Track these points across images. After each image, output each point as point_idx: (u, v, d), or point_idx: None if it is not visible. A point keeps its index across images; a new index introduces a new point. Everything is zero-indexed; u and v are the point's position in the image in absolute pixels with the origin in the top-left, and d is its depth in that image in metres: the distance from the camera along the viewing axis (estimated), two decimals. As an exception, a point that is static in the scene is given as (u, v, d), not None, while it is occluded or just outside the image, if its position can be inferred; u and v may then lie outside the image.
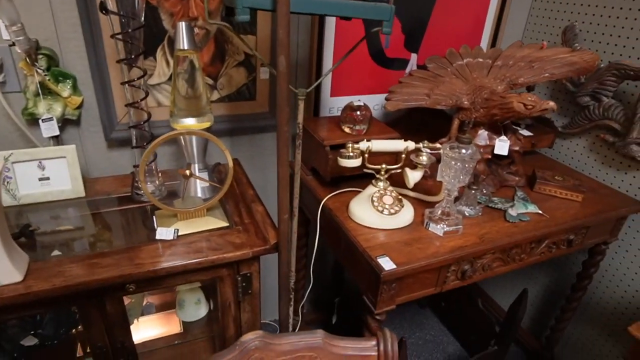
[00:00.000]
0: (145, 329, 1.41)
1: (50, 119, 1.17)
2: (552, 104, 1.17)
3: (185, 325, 1.40)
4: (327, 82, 1.52)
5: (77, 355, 1.31)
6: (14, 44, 1.06)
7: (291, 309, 1.28)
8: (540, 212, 1.28)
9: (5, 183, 1.14)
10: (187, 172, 1.08)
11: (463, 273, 1.16)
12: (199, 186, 1.19)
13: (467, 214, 1.24)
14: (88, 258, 0.98)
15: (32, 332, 1.17)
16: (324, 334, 0.85)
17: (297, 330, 1.52)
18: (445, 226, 1.14)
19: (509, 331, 1.56)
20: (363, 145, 1.17)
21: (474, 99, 1.31)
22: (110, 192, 1.26)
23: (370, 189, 1.21)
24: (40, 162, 1.16)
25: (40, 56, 1.14)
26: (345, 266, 1.30)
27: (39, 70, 1.13)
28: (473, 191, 1.23)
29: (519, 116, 1.22)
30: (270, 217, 1.15)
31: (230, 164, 1.07)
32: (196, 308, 1.32)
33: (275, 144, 1.57)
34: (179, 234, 1.06)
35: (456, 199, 1.24)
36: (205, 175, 1.19)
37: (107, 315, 1.02)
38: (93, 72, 1.22)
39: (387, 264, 1.02)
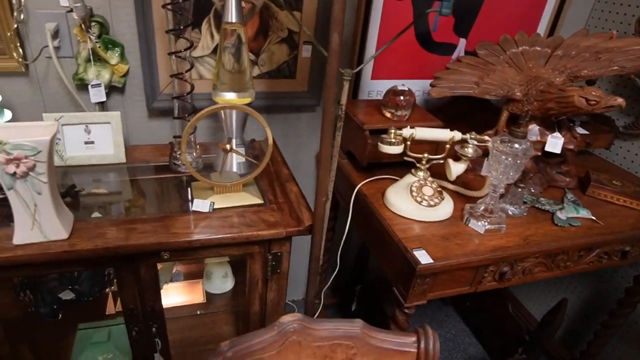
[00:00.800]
0: (172, 296, 1.45)
1: (99, 84, 1.19)
2: (620, 100, 1.08)
3: (209, 296, 1.42)
4: (368, 64, 1.47)
5: (107, 313, 1.36)
6: (71, 10, 1.08)
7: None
8: (593, 217, 1.20)
9: (55, 144, 1.17)
10: (228, 146, 1.08)
11: (501, 275, 1.11)
12: (235, 161, 1.19)
13: (510, 213, 1.18)
14: (127, 223, 1.00)
15: (70, 287, 1.22)
16: (363, 324, 0.83)
17: (316, 314, 1.51)
18: (487, 224, 1.09)
19: (541, 340, 1.49)
20: (406, 132, 1.13)
21: (527, 91, 1.23)
22: (149, 160, 1.28)
23: (409, 178, 1.17)
24: (86, 126, 1.19)
25: (93, 23, 1.16)
26: (374, 255, 1.27)
27: (91, 37, 1.15)
28: (520, 189, 1.17)
29: (579, 112, 1.14)
30: (304, 198, 1.14)
31: (270, 141, 1.06)
32: (223, 281, 1.34)
33: (310, 125, 1.57)
34: (215, 207, 1.07)
35: (500, 196, 1.18)
36: (242, 150, 1.19)
37: (141, 280, 1.04)
38: (140, 42, 1.22)
39: (423, 257, 0.99)
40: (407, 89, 1.27)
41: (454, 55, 1.56)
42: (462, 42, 1.54)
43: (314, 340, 0.81)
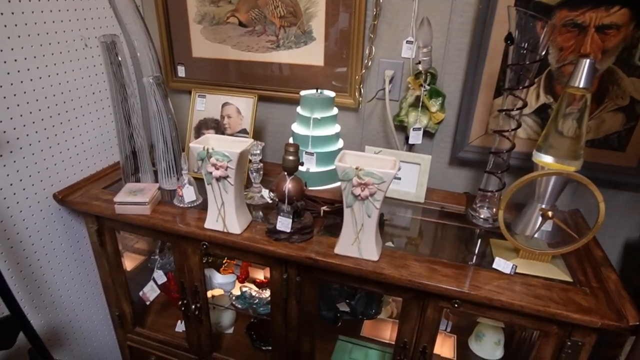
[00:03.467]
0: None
1: (419, 129, 1.32)
2: None
3: (470, 356, 1.35)
4: None
5: (361, 334, 1.45)
6: (419, 63, 1.24)
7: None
8: None
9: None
10: (550, 213, 1.02)
11: None
12: (543, 228, 1.11)
13: None
14: (429, 262, 1.05)
15: (347, 300, 1.37)
16: None
17: None
18: None
19: None
20: None
21: None
22: (444, 205, 1.33)
23: None
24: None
25: (428, 75, 1.29)
26: None
27: (424, 85, 1.28)
28: None
29: None
30: (626, 290, 0.97)
31: (602, 217, 0.95)
32: (494, 348, 1.26)
33: (627, 206, 1.35)
34: (516, 271, 1.02)
35: None
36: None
37: (425, 319, 1.08)
38: (464, 94, 1.30)
39: None
40: None
41: None
42: None
43: None
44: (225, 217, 1.13)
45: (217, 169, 1.05)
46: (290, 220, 1.07)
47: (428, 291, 1.00)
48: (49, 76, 1.25)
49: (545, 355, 1.01)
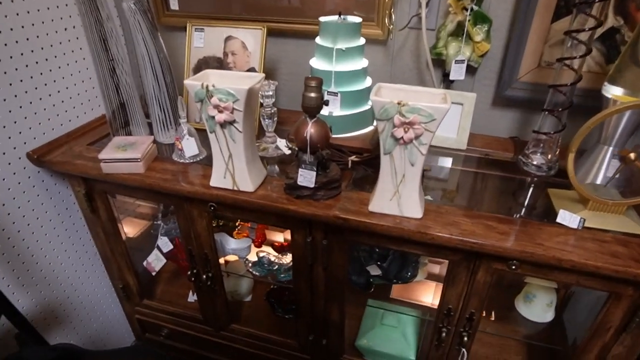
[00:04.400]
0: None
1: (463, 61, 1.11)
2: None
3: (517, 318, 1.20)
4: None
5: (391, 296, 1.31)
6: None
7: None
8: None
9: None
10: (632, 155, 0.83)
11: None
12: (609, 175, 0.93)
13: None
14: (480, 217, 0.88)
15: (378, 263, 1.21)
16: None
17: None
18: None
19: None
20: None
21: None
22: (489, 152, 1.14)
23: None
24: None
25: (472, -5, 1.07)
26: None
27: (468, 7, 1.06)
28: None
29: None
30: None
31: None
32: (545, 310, 1.11)
33: None
34: (585, 225, 0.85)
35: None
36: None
37: (474, 282, 0.92)
38: (515, 18, 1.08)
39: None
40: None
41: None
42: None
43: None
44: (235, 172, 0.94)
45: (221, 111, 0.85)
46: (314, 173, 0.89)
47: (483, 252, 0.83)
48: (17, 14, 1.03)
49: (613, 319, 0.86)
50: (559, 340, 1.19)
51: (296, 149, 0.92)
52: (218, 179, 0.97)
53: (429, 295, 1.35)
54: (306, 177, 0.90)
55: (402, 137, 0.78)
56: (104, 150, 1.05)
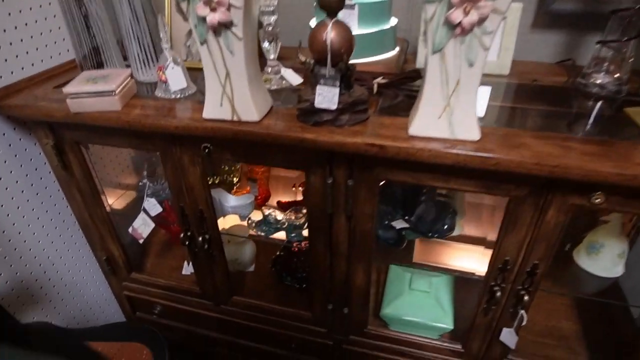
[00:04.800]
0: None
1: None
2: None
3: (578, 272, 1.01)
4: None
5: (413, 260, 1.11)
6: None
7: None
8: None
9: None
10: None
11: None
12: None
13: None
14: (556, 139, 0.68)
15: (405, 217, 1.03)
16: None
17: None
18: None
19: None
20: None
21: None
22: (537, 78, 0.95)
23: None
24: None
25: None
26: None
27: None
28: None
29: None
30: None
31: None
32: (616, 262, 0.93)
33: None
34: (687, 141, 0.66)
35: None
36: None
37: (541, 225, 0.73)
38: None
39: None
40: None
41: None
42: None
43: None
44: (234, 96, 0.74)
45: (214, 9, 0.65)
46: (337, 90, 0.69)
47: (564, 179, 0.64)
48: None
49: None
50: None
51: (311, 62, 0.72)
52: (213, 109, 0.76)
53: (460, 259, 1.15)
54: (326, 97, 0.70)
55: (460, 23, 0.58)
56: (70, 83, 0.84)
